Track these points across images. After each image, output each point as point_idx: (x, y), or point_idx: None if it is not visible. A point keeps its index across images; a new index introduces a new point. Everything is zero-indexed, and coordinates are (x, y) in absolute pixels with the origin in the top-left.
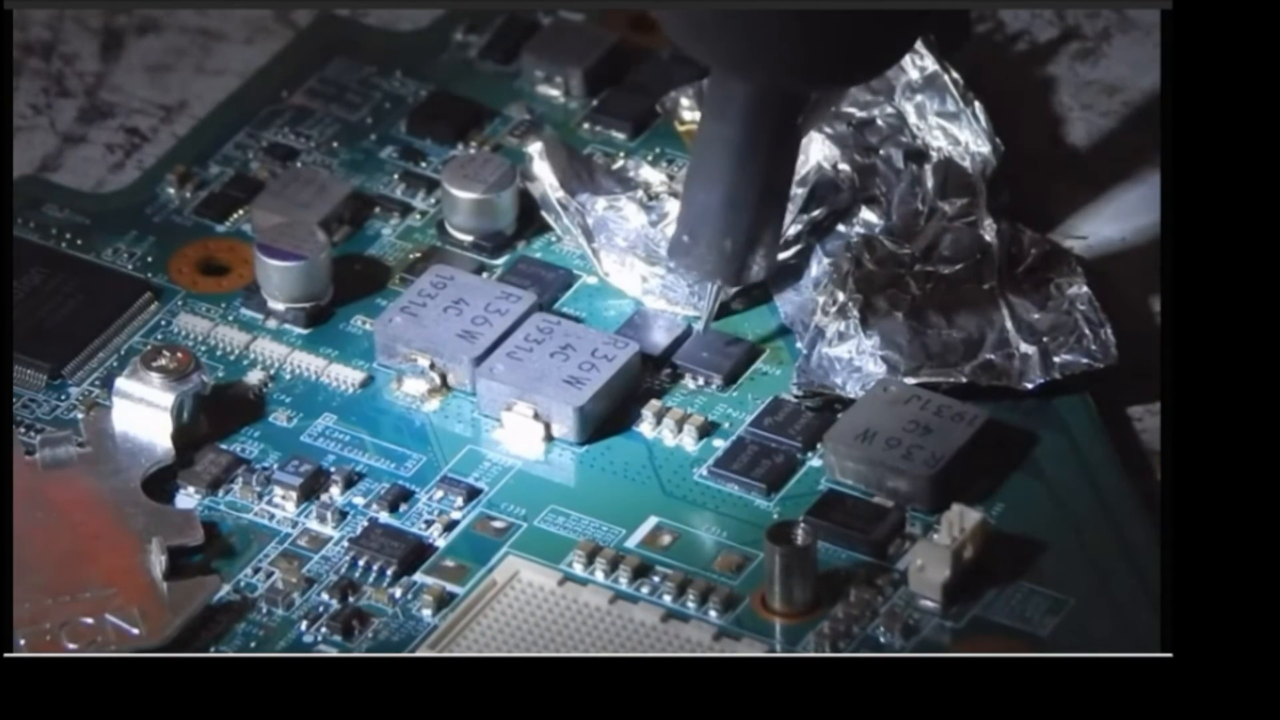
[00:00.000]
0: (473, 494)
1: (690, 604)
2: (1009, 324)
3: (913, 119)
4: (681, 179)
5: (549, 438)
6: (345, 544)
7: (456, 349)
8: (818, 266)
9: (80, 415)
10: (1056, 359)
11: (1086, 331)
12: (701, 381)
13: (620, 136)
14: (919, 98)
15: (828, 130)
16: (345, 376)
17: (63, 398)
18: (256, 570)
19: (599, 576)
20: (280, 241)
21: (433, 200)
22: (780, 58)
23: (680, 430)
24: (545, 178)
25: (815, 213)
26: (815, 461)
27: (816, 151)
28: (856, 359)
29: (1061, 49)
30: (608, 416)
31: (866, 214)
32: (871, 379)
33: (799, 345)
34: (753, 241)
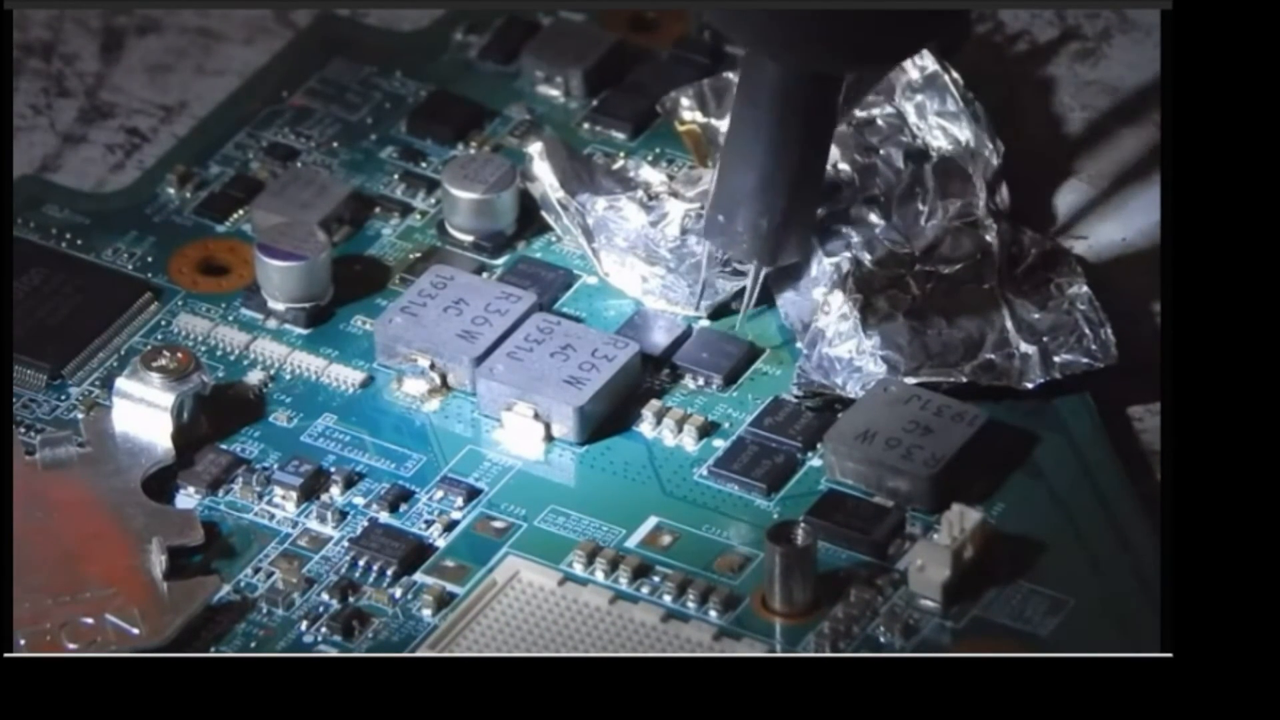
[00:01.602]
0: (473, 494)
1: (690, 604)
2: (1009, 324)
3: (913, 119)
4: (681, 179)
5: (549, 438)
6: (345, 544)
7: (456, 349)
8: (817, 266)
9: (80, 415)
10: (1057, 359)
11: (1086, 331)
12: (701, 381)
13: (620, 136)
14: (919, 98)
15: None
16: (345, 376)
17: (63, 398)
18: (256, 570)
19: (599, 576)
20: (280, 241)
21: (433, 200)
22: (813, 39)
23: (680, 430)
24: (545, 178)
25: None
26: (815, 461)
27: None
28: (857, 359)
29: (1061, 49)
30: (608, 416)
31: (867, 214)
32: (872, 379)
33: (799, 345)
34: (788, 222)
